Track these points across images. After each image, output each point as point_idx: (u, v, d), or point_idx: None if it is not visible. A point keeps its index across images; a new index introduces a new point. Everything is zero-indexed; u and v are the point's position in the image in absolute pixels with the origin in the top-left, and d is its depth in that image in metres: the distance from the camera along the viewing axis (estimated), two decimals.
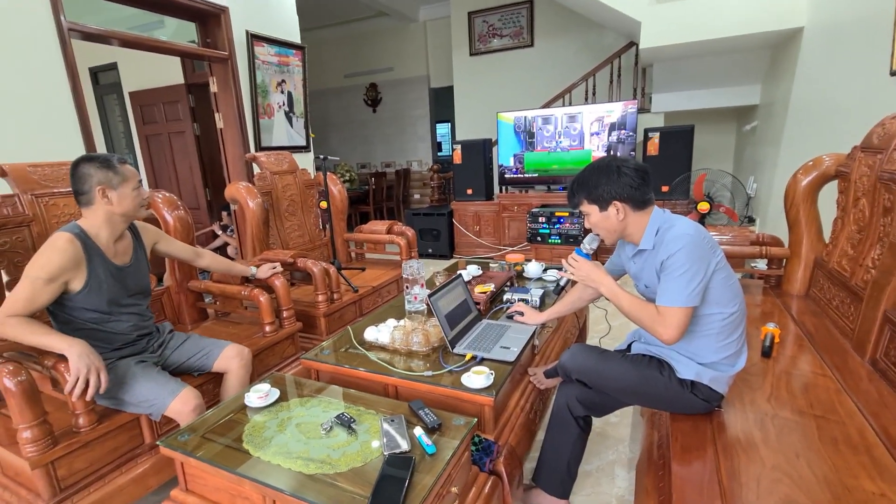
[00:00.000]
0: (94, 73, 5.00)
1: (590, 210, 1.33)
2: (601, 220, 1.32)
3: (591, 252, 1.44)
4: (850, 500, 0.95)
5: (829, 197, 2.08)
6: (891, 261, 1.47)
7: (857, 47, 2.49)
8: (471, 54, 6.30)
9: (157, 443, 1.18)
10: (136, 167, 5.04)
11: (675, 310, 1.19)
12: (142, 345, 1.63)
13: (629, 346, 1.48)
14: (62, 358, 1.34)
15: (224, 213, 4.33)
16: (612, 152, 4.41)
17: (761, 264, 2.46)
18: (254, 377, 1.77)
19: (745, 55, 4.22)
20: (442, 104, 7.66)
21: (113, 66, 4.77)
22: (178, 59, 4.24)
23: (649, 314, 1.24)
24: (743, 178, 4.27)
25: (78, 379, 1.30)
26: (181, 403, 1.44)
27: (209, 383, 1.74)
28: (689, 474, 1.09)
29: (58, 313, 1.47)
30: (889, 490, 0.97)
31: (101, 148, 4.46)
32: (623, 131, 4.38)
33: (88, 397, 1.33)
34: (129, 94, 4.70)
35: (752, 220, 4.11)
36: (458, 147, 4.93)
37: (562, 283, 1.66)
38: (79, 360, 1.30)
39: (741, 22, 3.52)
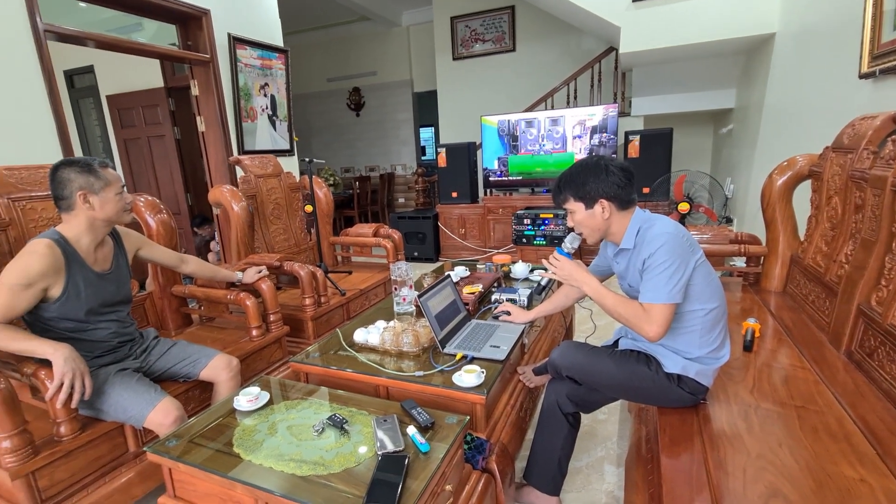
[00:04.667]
0: (70, 76, 4.88)
1: (575, 208, 1.35)
2: (586, 218, 1.34)
3: (573, 251, 1.45)
4: (832, 486, 0.99)
5: (803, 196, 2.15)
6: (863, 256, 1.53)
7: (826, 51, 2.59)
8: (454, 59, 6.34)
9: (144, 449, 1.16)
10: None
11: (658, 306, 1.21)
12: (124, 351, 1.60)
13: (616, 342, 1.51)
14: (43, 364, 1.31)
15: (204, 228, 4.15)
16: (594, 154, 4.48)
17: (740, 262, 2.52)
18: (241, 383, 1.75)
19: (721, 60, 4.35)
20: (425, 108, 7.68)
21: (89, 69, 4.66)
22: (157, 62, 4.17)
23: (634, 312, 1.25)
24: (720, 180, 4.38)
25: (62, 384, 1.27)
26: (161, 415, 1.41)
27: (195, 389, 1.71)
28: (677, 466, 1.12)
29: (34, 323, 1.42)
30: (868, 475, 1.01)
31: (77, 152, 4.34)
32: (604, 134, 4.46)
33: (74, 404, 1.30)
34: (106, 97, 4.60)
35: (729, 220, 4.23)
36: (443, 150, 4.95)
37: (543, 283, 1.67)
38: (64, 364, 1.27)
39: (716, 28, 3.63)
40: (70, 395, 1.29)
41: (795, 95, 3.06)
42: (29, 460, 1.25)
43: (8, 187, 1.65)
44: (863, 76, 2.03)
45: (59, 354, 1.28)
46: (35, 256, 1.33)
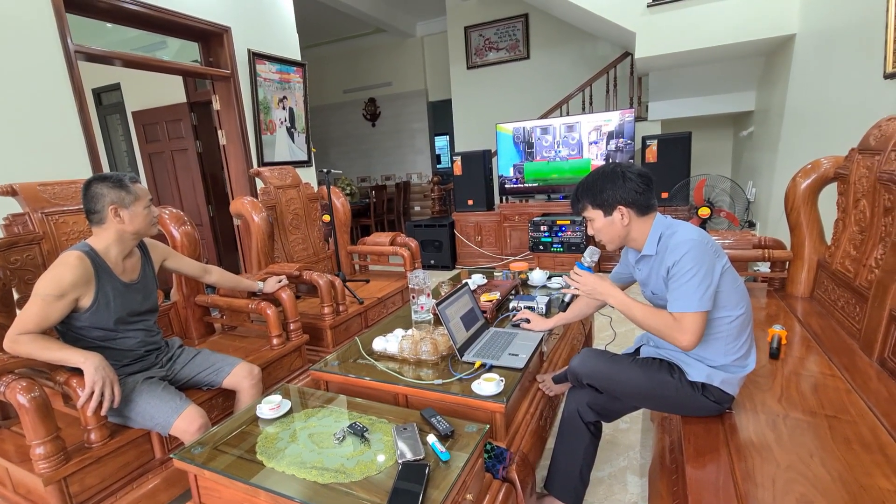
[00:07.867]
0: (98, 93, 5.07)
1: (594, 215, 1.34)
2: (605, 225, 1.33)
3: (593, 265, 1.43)
4: (866, 498, 0.95)
5: (829, 199, 2.10)
6: (894, 260, 1.48)
7: (849, 52, 2.53)
8: (468, 68, 6.39)
9: (171, 455, 1.18)
10: None
11: (690, 315, 1.18)
12: (150, 360, 1.64)
13: (637, 349, 1.49)
14: (75, 373, 1.35)
15: None
16: (610, 160, 4.45)
17: (764, 267, 2.47)
18: (263, 391, 1.77)
19: (739, 62, 4.29)
20: (440, 117, 7.74)
21: (116, 87, 4.83)
22: (180, 79, 4.29)
23: (664, 322, 1.22)
24: (742, 183, 4.30)
25: (93, 392, 1.31)
26: (186, 422, 1.43)
27: (218, 397, 1.74)
28: (703, 477, 1.09)
29: (66, 333, 1.47)
30: None
31: (105, 167, 4.49)
32: (621, 140, 4.43)
33: (104, 412, 1.34)
34: (132, 113, 4.75)
35: (752, 225, 4.14)
36: (459, 158, 4.97)
37: (567, 300, 1.62)
38: (95, 372, 1.31)
39: (734, 30, 3.58)
40: (100, 403, 1.33)
41: (818, 97, 3.00)
42: (61, 466, 1.29)
43: (42, 202, 1.72)
44: (888, 76, 1.99)
45: (89, 363, 1.32)
46: (67, 268, 1.38)
